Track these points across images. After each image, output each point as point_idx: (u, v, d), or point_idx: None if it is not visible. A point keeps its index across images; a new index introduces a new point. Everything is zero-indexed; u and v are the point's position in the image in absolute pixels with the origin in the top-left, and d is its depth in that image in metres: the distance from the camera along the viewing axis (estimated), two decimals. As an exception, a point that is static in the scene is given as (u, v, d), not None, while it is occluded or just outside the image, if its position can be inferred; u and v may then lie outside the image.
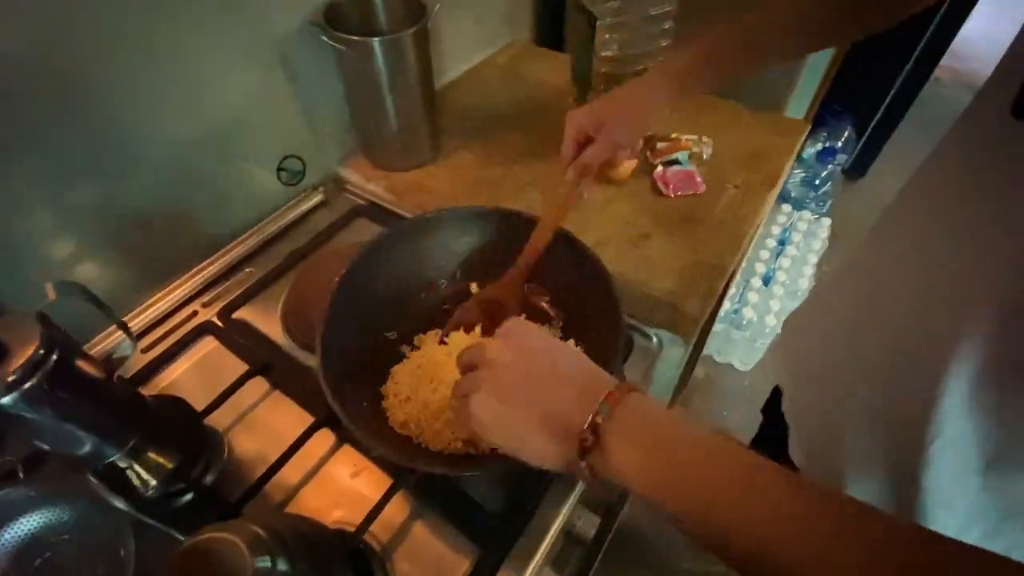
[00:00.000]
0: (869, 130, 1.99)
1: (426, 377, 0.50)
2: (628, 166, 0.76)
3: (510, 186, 0.78)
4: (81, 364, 0.40)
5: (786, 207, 1.74)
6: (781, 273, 1.51)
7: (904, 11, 0.47)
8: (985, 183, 0.34)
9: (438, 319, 0.58)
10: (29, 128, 0.50)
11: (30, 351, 0.36)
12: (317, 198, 0.79)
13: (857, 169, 2.11)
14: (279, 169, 0.75)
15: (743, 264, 1.60)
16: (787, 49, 0.56)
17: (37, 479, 0.42)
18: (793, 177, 1.89)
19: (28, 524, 0.42)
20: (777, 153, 0.80)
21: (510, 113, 0.91)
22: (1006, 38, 0.35)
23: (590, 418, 0.30)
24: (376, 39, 0.67)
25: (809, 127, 0.84)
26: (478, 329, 0.55)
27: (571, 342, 0.55)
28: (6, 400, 0.35)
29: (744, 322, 1.43)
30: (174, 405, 0.52)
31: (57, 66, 0.50)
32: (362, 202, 0.80)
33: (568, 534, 0.55)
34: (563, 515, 0.48)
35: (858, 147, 2.04)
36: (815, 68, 1.40)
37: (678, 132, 0.83)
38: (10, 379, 0.35)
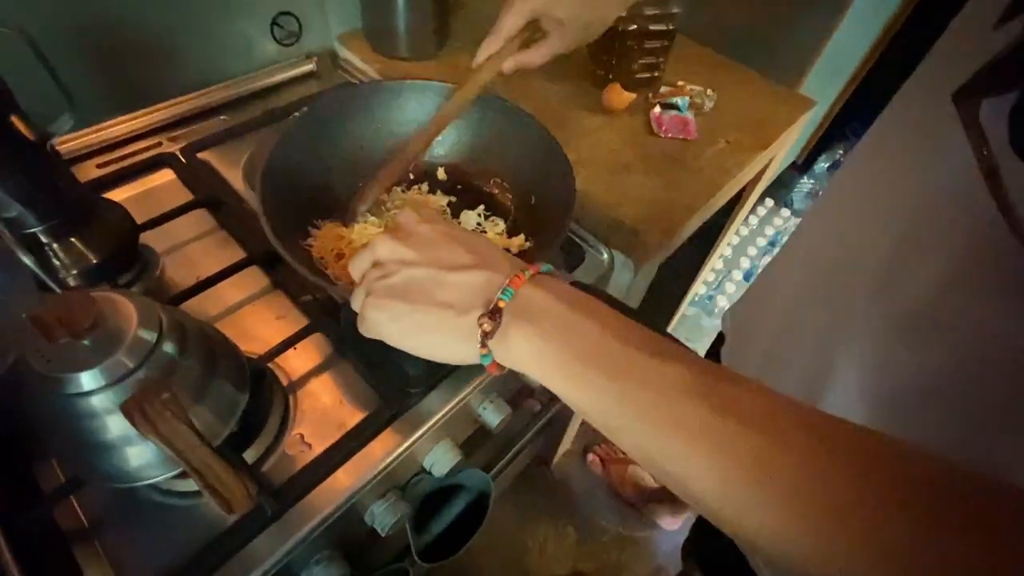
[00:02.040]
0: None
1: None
2: (626, 97, 0.75)
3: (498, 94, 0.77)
4: (14, 118, 0.40)
5: (785, 212, 1.73)
6: (763, 271, 1.52)
7: None
8: (915, 167, 0.33)
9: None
10: None
11: (-43, 79, 0.35)
12: (308, 67, 0.78)
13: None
14: (273, 24, 0.73)
15: (728, 254, 1.60)
16: None
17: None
18: (800, 188, 1.88)
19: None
20: (777, 122, 0.79)
21: (524, 33, 0.89)
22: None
23: (492, 304, 0.28)
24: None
25: (815, 105, 0.83)
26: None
27: (520, 237, 0.55)
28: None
29: (716, 310, 1.43)
30: (112, 207, 0.51)
31: None
32: (352, 81, 0.78)
33: (476, 420, 0.55)
34: (465, 392, 0.49)
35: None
36: (849, 53, 1.36)
37: (685, 81, 0.81)
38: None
